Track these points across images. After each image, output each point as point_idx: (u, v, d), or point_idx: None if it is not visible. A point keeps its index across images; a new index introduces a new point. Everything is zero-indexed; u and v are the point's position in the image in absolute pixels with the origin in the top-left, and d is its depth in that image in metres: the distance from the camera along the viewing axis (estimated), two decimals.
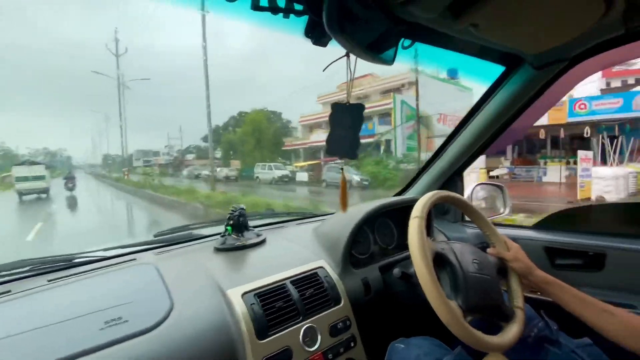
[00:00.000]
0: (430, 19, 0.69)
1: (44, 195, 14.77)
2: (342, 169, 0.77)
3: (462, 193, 1.42)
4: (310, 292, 0.84)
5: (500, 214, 1.49)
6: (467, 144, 1.25)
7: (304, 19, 0.64)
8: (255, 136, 24.33)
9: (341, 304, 0.87)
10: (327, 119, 0.71)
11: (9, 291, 0.75)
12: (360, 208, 1.10)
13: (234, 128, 30.35)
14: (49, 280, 0.80)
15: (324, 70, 0.66)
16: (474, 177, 8.74)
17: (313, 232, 1.14)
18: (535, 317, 1.05)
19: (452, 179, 1.38)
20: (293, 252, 1.02)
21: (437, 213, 1.43)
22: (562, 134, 12.87)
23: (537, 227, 1.28)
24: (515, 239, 1.20)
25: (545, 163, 14.38)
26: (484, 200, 1.54)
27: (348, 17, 0.53)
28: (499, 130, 1.18)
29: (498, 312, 0.80)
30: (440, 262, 0.78)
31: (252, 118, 25.77)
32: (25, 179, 14.41)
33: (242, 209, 1.09)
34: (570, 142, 14.03)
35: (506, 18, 0.74)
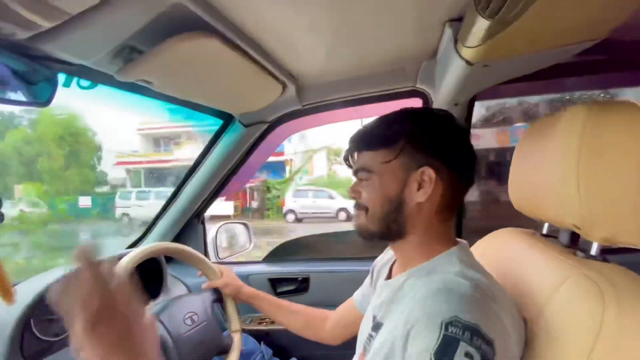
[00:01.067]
0: (94, 62, 0.63)
1: None
2: None
3: (204, 235, 1.43)
4: None
5: (245, 249, 1.61)
6: (200, 188, 1.28)
7: None
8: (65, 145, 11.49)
9: None
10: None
11: None
12: (32, 285, 0.84)
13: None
14: None
15: None
16: None
17: None
18: (256, 349, 1.15)
19: (191, 222, 1.37)
20: None
21: (176, 260, 1.36)
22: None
23: (264, 261, 1.46)
24: (247, 276, 1.32)
25: None
26: (229, 239, 1.62)
27: None
28: (226, 177, 1.28)
29: (217, 348, 0.88)
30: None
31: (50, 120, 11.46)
32: None
33: None
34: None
35: (189, 79, 0.80)
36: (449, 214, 0.55)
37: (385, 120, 0.56)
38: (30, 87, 0.58)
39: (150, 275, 1.11)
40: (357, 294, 0.83)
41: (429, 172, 0.51)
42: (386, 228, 0.54)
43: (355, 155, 0.59)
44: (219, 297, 0.96)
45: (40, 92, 0.60)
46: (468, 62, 0.66)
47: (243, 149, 1.20)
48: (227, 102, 1.01)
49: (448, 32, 0.69)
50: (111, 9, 0.49)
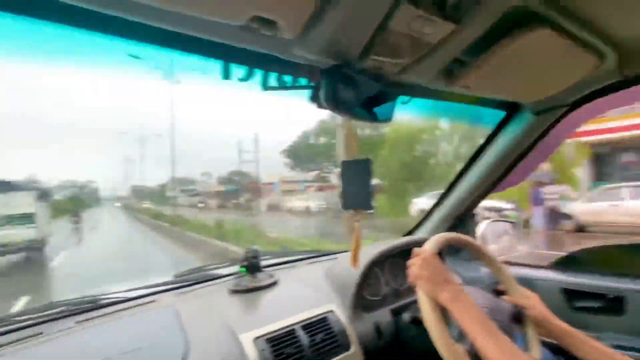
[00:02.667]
0: (425, 82, 0.76)
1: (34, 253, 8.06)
2: (357, 221, 0.77)
3: (474, 231, 1.42)
4: (320, 337, 0.85)
5: (513, 252, 1.47)
6: (475, 183, 1.27)
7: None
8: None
9: (350, 351, 0.88)
10: None
11: (41, 333, 0.81)
12: (370, 250, 1.12)
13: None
14: (77, 322, 0.86)
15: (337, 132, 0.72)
16: None
17: (325, 273, 1.17)
18: None
19: (463, 217, 1.39)
20: (305, 294, 1.05)
21: (450, 251, 1.43)
22: None
23: (554, 266, 1.25)
24: (531, 280, 1.19)
25: None
26: (496, 238, 1.53)
27: (343, 91, 0.60)
28: (505, 171, 1.20)
29: None
30: None
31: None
32: None
33: (256, 249, 1.14)
34: None
35: (499, 77, 0.80)
36: None
37: None
38: (378, 107, 0.77)
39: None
40: None
41: None
42: None
43: None
44: (518, 316, 0.84)
45: (385, 110, 0.79)
46: None
47: (530, 139, 1.09)
48: (519, 90, 0.94)
49: None
50: (462, 27, 0.57)
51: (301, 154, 24.26)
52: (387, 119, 0.80)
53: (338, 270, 1.14)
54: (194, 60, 0.61)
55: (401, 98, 0.87)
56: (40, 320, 0.87)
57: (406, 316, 0.95)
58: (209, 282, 1.14)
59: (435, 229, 1.43)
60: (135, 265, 7.11)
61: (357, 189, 0.75)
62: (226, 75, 0.61)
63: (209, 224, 11.01)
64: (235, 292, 1.05)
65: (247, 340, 0.80)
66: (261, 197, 24.91)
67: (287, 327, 0.85)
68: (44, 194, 9.43)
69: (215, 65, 0.63)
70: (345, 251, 1.35)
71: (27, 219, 7.88)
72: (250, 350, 0.77)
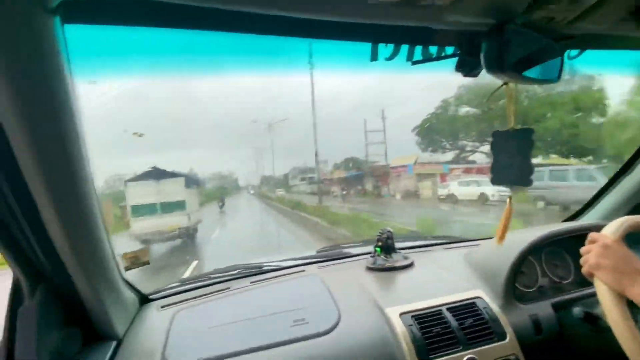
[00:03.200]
0: (606, 28, 0.61)
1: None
2: (510, 197, 0.71)
3: None
4: (469, 322, 0.82)
5: None
6: None
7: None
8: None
9: (506, 340, 0.81)
10: None
11: (229, 288, 1.04)
12: (523, 235, 0.99)
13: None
14: (252, 282, 1.06)
15: (486, 101, 0.66)
16: None
17: (464, 258, 1.10)
18: None
19: None
20: (444, 278, 1.01)
21: (629, 241, 1.13)
22: None
23: None
24: None
25: None
26: None
27: (506, 53, 0.53)
28: None
29: None
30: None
31: None
32: (150, 209, 8.01)
33: (390, 231, 1.16)
34: None
35: None
36: None
37: None
38: (543, 65, 0.66)
39: None
40: None
41: None
42: None
43: None
44: None
45: (550, 69, 0.67)
46: None
47: None
48: None
49: None
50: None
51: (439, 129, 18.60)
52: (554, 78, 0.68)
53: (482, 257, 1.05)
54: (331, 46, 0.64)
55: (569, 52, 0.73)
56: (226, 278, 1.11)
57: (578, 311, 0.81)
58: (346, 259, 1.23)
59: (607, 215, 1.16)
60: (267, 239, 8.25)
61: (512, 161, 0.67)
62: (374, 56, 0.62)
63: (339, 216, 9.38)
64: (372, 269, 1.10)
65: (394, 314, 0.83)
66: (390, 183, 21.01)
67: (433, 307, 0.85)
68: (192, 181, 9.93)
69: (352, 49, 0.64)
70: (488, 238, 1.24)
71: (179, 206, 8.23)
72: (398, 324, 0.80)
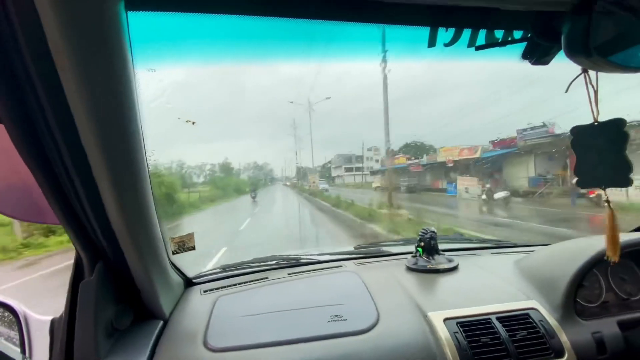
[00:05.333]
0: None
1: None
2: (608, 201, 0.59)
3: None
4: (522, 334, 0.75)
5: None
6: None
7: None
8: None
9: (564, 358, 0.73)
10: None
11: (267, 278, 1.05)
12: (587, 243, 0.89)
13: None
14: (289, 274, 1.07)
15: (566, 91, 0.58)
16: None
17: (515, 265, 1.02)
18: None
19: None
20: (493, 285, 0.94)
21: None
22: None
23: None
24: None
25: None
26: None
27: (593, 35, 0.47)
28: None
29: None
30: None
31: None
32: None
33: (433, 231, 1.10)
34: None
35: None
36: None
37: None
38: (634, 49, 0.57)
39: None
40: None
41: None
42: None
43: None
44: None
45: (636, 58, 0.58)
46: None
47: None
48: None
49: None
50: None
51: None
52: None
53: (537, 265, 0.96)
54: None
55: None
56: (265, 268, 1.12)
57: None
58: (385, 257, 1.19)
59: None
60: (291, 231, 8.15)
61: (602, 159, 0.58)
62: (432, 42, 0.58)
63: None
64: (413, 270, 1.05)
65: (437, 319, 0.78)
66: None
67: (481, 315, 0.79)
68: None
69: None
70: (543, 244, 1.14)
71: None
72: (442, 330, 0.76)
